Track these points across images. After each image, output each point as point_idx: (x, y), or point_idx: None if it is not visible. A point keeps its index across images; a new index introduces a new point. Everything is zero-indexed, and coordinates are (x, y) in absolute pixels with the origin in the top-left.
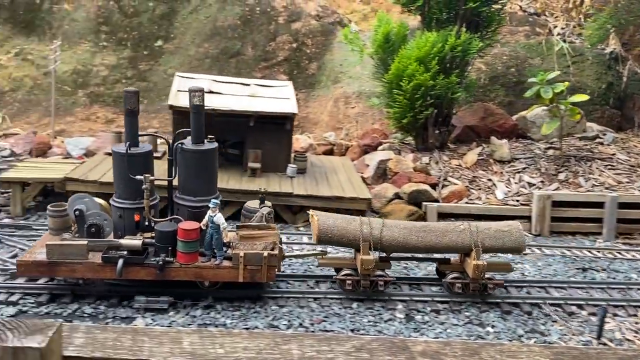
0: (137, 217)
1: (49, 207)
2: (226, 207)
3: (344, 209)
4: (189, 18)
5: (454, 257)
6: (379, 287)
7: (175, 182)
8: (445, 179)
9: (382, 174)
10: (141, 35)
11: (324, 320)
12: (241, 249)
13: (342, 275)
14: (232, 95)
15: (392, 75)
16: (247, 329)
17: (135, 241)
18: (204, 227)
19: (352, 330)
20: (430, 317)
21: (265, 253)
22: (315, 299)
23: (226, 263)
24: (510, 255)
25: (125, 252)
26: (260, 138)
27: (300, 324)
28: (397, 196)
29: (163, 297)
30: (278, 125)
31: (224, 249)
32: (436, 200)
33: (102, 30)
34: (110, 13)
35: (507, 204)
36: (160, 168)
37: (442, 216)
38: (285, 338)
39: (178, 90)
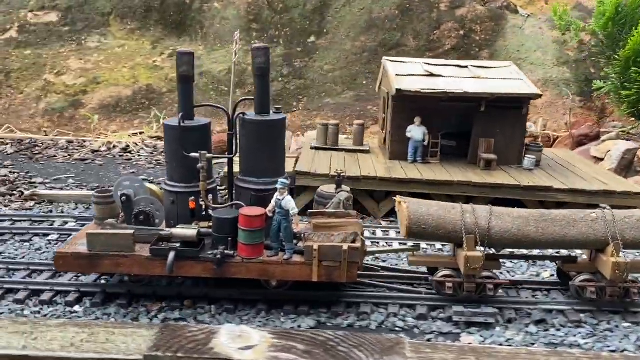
0: (192, 204)
1: (93, 192)
2: (472, 201)
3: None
4: (342, 11)
5: (580, 255)
6: (487, 292)
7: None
8: None
9: (627, 165)
10: (293, 31)
11: None
12: (315, 241)
13: (441, 277)
14: (455, 77)
15: (629, 51)
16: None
17: (189, 231)
18: (270, 214)
19: None
20: None
21: (345, 246)
22: None
23: (297, 258)
24: None
25: (177, 244)
26: (491, 125)
27: None
28: None
29: (486, 309)
30: (512, 110)
31: (295, 241)
32: None
33: (252, 28)
34: (260, 10)
35: None
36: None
37: None
38: None
39: (397, 75)
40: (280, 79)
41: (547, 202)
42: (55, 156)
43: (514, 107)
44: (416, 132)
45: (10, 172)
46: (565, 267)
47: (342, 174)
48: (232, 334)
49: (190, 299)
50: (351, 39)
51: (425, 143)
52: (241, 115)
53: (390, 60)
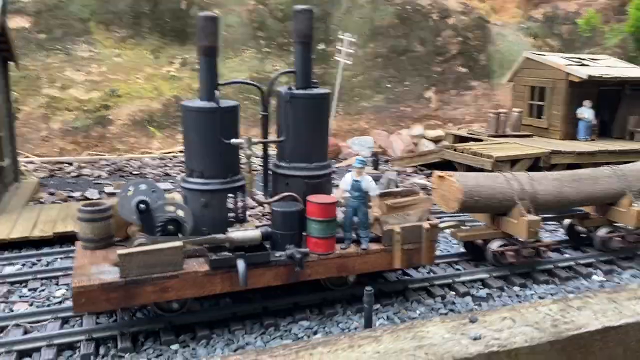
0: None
1: (79, 207)
2: None
3: None
4: (345, 19)
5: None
6: (541, 254)
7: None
8: None
9: None
10: None
11: None
12: (394, 224)
13: (499, 247)
14: (597, 66)
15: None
16: None
17: (251, 232)
18: (342, 200)
19: None
20: None
21: (426, 225)
22: None
23: (373, 246)
24: None
25: (228, 252)
26: (633, 104)
27: None
28: None
29: None
30: None
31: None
32: None
33: (259, 36)
34: (263, 18)
35: None
36: None
37: None
38: None
39: (566, 65)
40: None
41: None
42: (168, 174)
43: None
44: (589, 113)
45: None
46: (584, 224)
47: (376, 154)
48: None
49: None
50: (359, 46)
51: (594, 122)
52: (287, 90)
53: (536, 54)
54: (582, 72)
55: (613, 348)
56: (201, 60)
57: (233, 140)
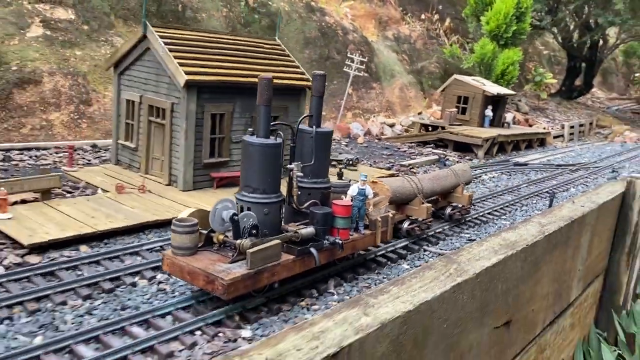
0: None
1: (174, 221)
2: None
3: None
4: (285, 29)
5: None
6: (429, 228)
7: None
8: None
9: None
10: None
11: None
12: (375, 215)
13: (409, 226)
14: (491, 86)
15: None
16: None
17: (309, 229)
18: (351, 202)
19: None
20: None
21: (390, 214)
22: None
23: (366, 231)
24: None
25: (295, 244)
26: (501, 107)
27: None
28: None
29: None
30: (504, 100)
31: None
32: None
33: None
34: (234, 23)
35: None
36: None
37: None
38: None
39: (481, 84)
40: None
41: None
42: None
43: (505, 98)
44: (490, 113)
45: None
46: (435, 206)
47: (341, 169)
48: None
49: None
50: (298, 51)
51: (491, 117)
52: (315, 129)
53: (460, 77)
54: (493, 90)
55: None
56: (262, 108)
57: (289, 165)
